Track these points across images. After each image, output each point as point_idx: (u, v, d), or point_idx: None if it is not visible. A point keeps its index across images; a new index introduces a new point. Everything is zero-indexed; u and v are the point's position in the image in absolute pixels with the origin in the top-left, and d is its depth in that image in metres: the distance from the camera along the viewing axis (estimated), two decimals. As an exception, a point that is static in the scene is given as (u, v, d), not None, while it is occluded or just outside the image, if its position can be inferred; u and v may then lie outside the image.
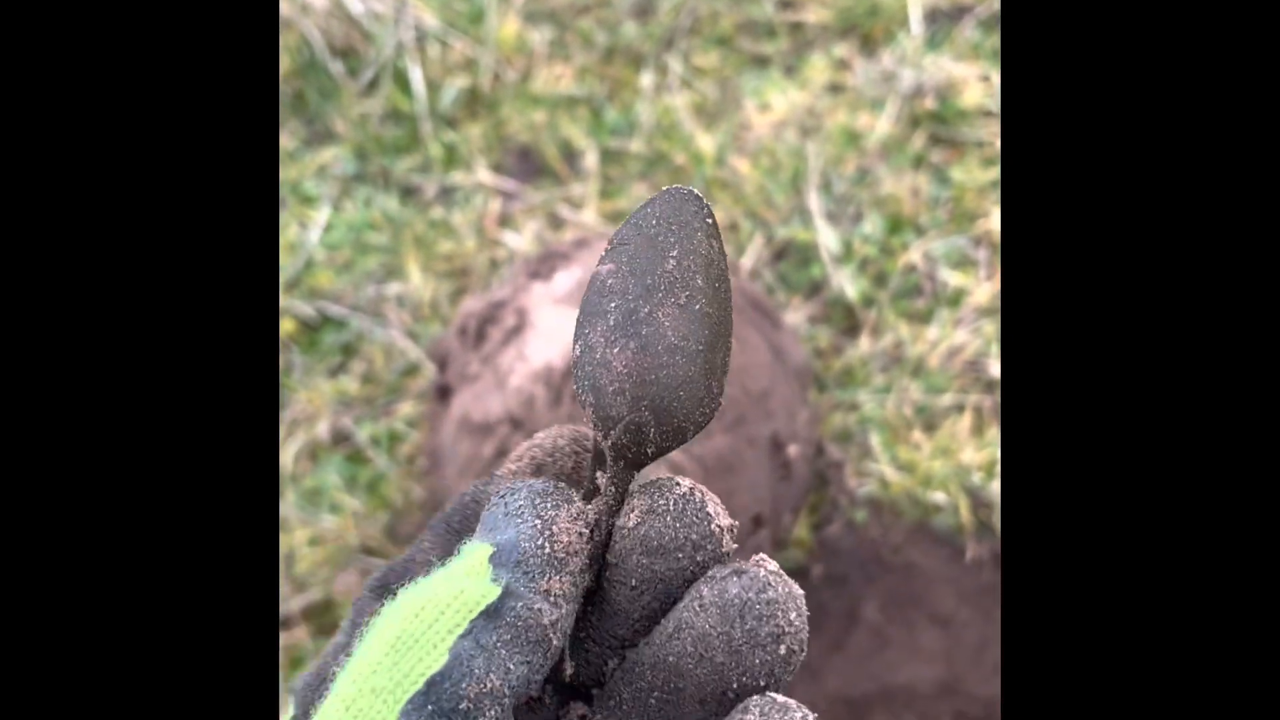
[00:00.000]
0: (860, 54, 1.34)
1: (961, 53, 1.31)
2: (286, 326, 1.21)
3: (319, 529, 1.13)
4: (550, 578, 0.30)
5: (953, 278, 1.19)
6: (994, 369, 1.14)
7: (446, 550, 0.33)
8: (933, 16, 1.34)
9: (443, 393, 1.07)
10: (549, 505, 0.31)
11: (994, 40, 1.29)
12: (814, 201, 1.23)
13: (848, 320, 1.20)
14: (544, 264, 1.03)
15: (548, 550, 0.30)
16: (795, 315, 1.18)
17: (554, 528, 0.30)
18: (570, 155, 1.31)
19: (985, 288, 1.18)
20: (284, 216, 1.28)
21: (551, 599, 0.30)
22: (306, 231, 1.28)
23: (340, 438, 1.19)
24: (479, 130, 1.32)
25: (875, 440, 1.13)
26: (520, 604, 0.29)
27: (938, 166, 1.27)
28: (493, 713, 0.28)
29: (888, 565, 1.11)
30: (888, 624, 1.09)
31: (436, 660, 0.28)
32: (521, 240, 1.24)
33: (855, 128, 1.28)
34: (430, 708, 0.27)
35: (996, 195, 1.22)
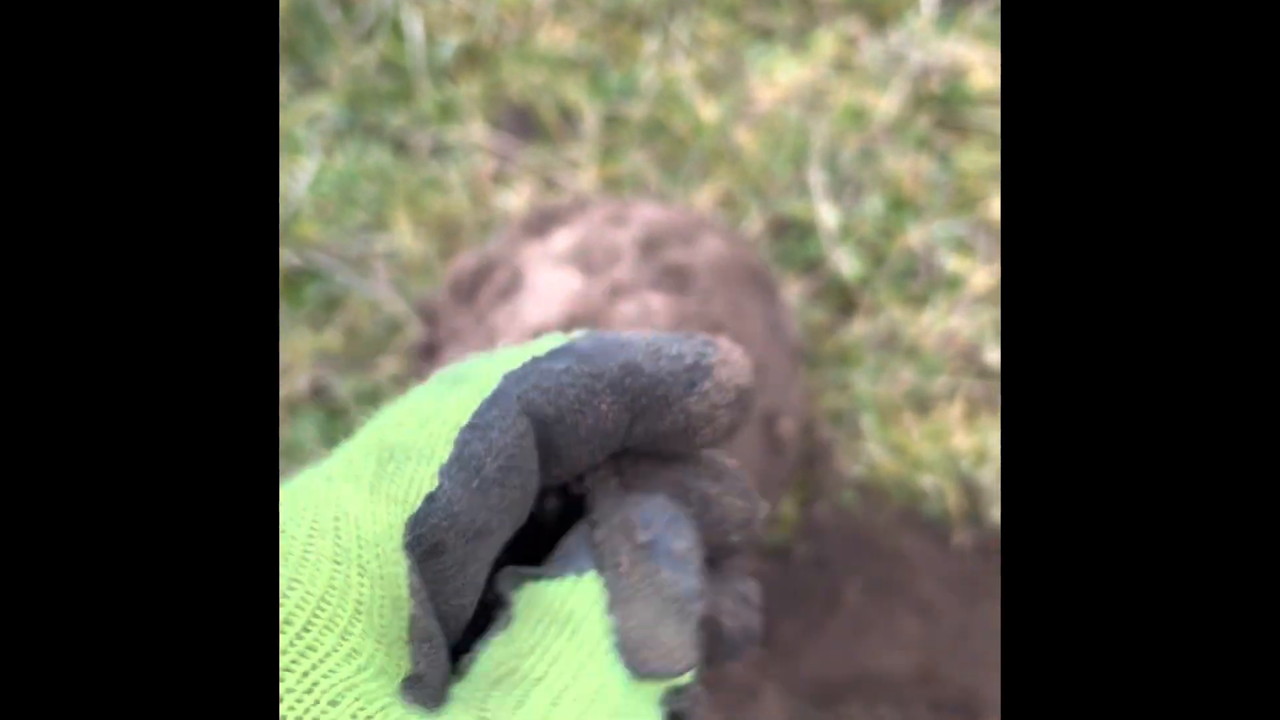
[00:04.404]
0: (868, 32, 1.32)
1: (971, 37, 1.29)
2: (269, 276, 1.18)
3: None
4: None
5: (950, 262, 1.18)
6: (988, 355, 1.13)
7: None
8: (943, -1, 1.32)
9: (429, 350, 1.05)
10: None
11: (1004, 26, 1.28)
12: (815, 178, 1.22)
13: (843, 299, 1.18)
14: (541, 222, 1.00)
15: None
16: (790, 291, 1.16)
17: None
18: (569, 118, 1.28)
19: (983, 273, 1.16)
20: (272, 163, 1.24)
21: None
22: (295, 180, 1.25)
23: (319, 392, 1.16)
24: (476, 87, 1.29)
25: (866, 421, 1.12)
26: None
27: (941, 150, 1.25)
28: None
29: (872, 549, 1.10)
30: (868, 608, 1.08)
31: None
32: (515, 201, 1.22)
33: (860, 106, 1.26)
34: None
35: (999, 181, 1.21)
